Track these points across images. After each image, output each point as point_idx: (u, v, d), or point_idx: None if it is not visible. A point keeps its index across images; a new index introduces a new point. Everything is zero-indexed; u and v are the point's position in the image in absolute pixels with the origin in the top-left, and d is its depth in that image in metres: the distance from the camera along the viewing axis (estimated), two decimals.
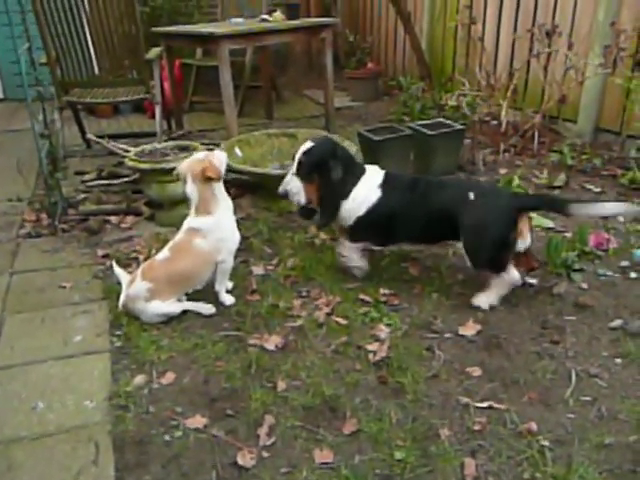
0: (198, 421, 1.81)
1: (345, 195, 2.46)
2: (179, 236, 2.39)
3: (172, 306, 2.32)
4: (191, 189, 2.36)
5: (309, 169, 2.44)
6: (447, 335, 2.23)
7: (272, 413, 1.84)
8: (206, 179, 2.32)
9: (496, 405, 1.86)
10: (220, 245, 2.37)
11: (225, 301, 2.43)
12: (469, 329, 2.25)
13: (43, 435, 1.76)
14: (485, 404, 1.87)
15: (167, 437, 1.76)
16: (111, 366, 2.08)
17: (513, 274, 2.36)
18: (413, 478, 1.62)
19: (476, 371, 2.03)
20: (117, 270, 2.46)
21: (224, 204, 2.41)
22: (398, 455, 1.67)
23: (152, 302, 2.27)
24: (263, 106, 5.63)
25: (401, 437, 1.75)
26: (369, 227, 2.50)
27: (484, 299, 2.41)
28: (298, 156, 2.47)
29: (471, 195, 2.36)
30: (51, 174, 3.24)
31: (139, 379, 2.00)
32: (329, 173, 2.43)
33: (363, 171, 2.53)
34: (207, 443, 1.74)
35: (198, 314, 2.36)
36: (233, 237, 2.43)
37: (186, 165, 2.39)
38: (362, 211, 2.46)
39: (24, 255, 2.94)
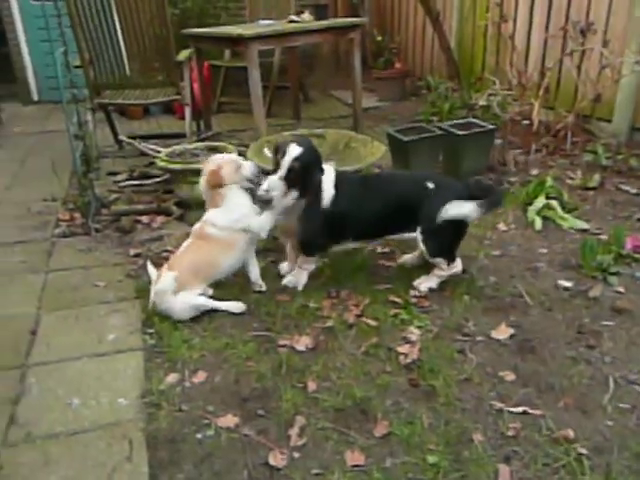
0: (230, 420, 1.82)
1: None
2: (196, 225, 2.52)
3: (200, 298, 2.35)
4: (202, 187, 2.52)
5: (300, 174, 2.32)
6: (479, 338, 2.20)
7: (303, 414, 1.84)
8: (212, 186, 2.46)
9: (531, 410, 1.83)
10: (235, 234, 2.44)
11: (257, 287, 2.53)
12: (502, 332, 2.22)
13: (78, 431, 1.79)
14: (519, 409, 1.83)
15: (199, 436, 1.78)
16: (144, 364, 2.10)
17: (459, 263, 2.54)
18: None
19: (509, 375, 2.00)
20: (150, 269, 2.50)
21: (235, 200, 2.47)
22: (431, 459, 1.65)
23: (180, 294, 2.31)
24: (290, 106, 5.64)
25: (433, 441, 1.73)
26: (327, 227, 2.44)
27: (425, 283, 2.52)
28: (288, 161, 2.30)
29: (430, 185, 2.42)
30: (85, 174, 3.30)
31: (171, 377, 2.02)
32: (315, 177, 2.37)
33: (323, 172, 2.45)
34: (238, 443, 1.75)
35: (229, 314, 2.37)
36: (245, 222, 2.45)
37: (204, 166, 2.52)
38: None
39: (59, 254, 3.00)
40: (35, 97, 6.77)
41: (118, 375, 2.04)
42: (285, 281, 2.58)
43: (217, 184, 2.46)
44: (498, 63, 5.21)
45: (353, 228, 2.49)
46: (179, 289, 2.31)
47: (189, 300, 2.32)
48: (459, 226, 2.44)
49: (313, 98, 6.29)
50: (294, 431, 1.77)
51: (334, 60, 7.29)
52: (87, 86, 4.09)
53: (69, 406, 1.90)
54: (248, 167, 2.51)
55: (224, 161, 2.51)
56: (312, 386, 1.96)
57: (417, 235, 2.45)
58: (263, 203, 2.38)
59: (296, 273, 2.59)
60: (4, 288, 2.66)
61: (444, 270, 2.50)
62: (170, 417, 1.85)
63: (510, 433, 1.74)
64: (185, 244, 2.48)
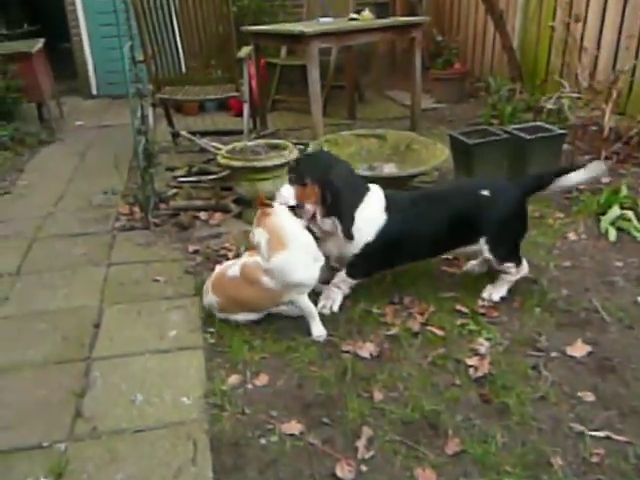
0: (294, 427, 1.77)
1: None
2: (250, 262, 2.21)
3: (248, 315, 2.28)
4: (258, 232, 2.16)
5: (306, 177, 2.27)
6: (553, 354, 2.08)
7: (370, 425, 1.77)
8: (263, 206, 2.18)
9: (615, 436, 1.70)
10: (289, 287, 2.15)
11: (314, 332, 2.20)
12: (578, 350, 2.09)
13: (143, 429, 1.77)
14: (602, 434, 1.72)
15: (263, 441, 1.73)
16: (205, 363, 2.07)
17: (526, 264, 2.46)
18: None
19: (589, 396, 1.88)
20: None
21: (300, 240, 2.16)
22: None
23: (222, 314, 2.28)
24: (345, 106, 5.58)
25: (509, 462, 1.63)
26: (374, 256, 2.32)
27: (497, 292, 2.41)
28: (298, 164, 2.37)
29: (485, 192, 2.33)
30: (146, 169, 3.32)
31: (234, 379, 1.99)
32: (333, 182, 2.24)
33: (364, 194, 2.32)
34: (304, 451, 1.69)
35: (288, 316, 2.32)
36: (303, 278, 2.16)
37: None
38: (371, 236, 2.29)
39: (119, 247, 3.02)
40: (94, 92, 6.93)
41: (180, 373, 2.02)
42: (319, 307, 2.33)
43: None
44: (564, 65, 5.01)
45: (408, 252, 2.39)
46: (221, 311, 2.28)
47: (233, 318, 2.28)
48: (523, 223, 2.40)
49: (368, 98, 6.20)
50: (361, 442, 1.70)
51: (390, 60, 7.17)
52: (150, 81, 4.12)
53: (133, 402, 1.88)
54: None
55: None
56: (378, 396, 1.89)
57: (481, 246, 2.35)
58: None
59: (329, 293, 2.39)
60: (67, 280, 2.69)
61: (513, 275, 2.40)
62: (233, 420, 1.81)
63: (594, 460, 1.63)
64: (236, 270, 2.22)
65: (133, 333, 2.26)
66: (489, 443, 1.70)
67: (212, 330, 2.27)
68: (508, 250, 2.39)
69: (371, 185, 2.37)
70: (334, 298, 2.38)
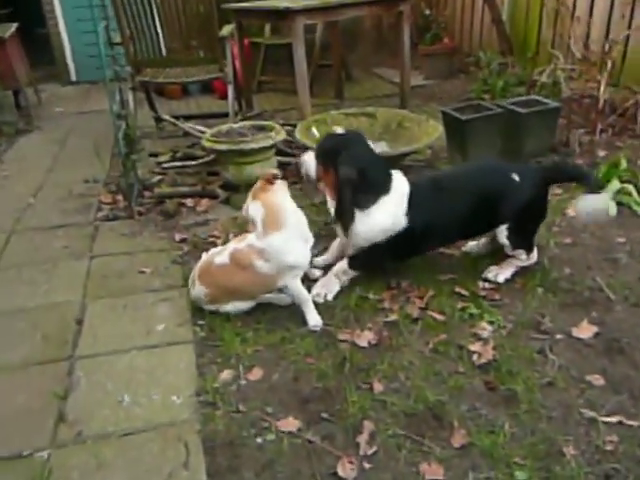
0: (291, 424, 1.68)
1: (362, 207, 2.17)
2: (241, 247, 2.10)
3: (240, 305, 2.17)
4: (253, 206, 2.07)
5: (325, 158, 2.22)
6: (559, 336, 2.00)
7: (371, 419, 1.68)
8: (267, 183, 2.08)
9: (627, 421, 1.63)
10: (284, 269, 2.07)
11: (309, 321, 2.09)
12: (584, 331, 2.01)
13: (131, 432, 1.67)
14: (614, 419, 1.64)
15: (259, 440, 1.64)
16: (196, 359, 1.97)
17: (536, 252, 2.37)
18: None
19: (598, 380, 1.80)
20: None
21: (294, 220, 2.08)
22: (520, 475, 1.48)
23: (211, 305, 2.18)
24: (332, 86, 5.43)
25: (519, 454, 1.55)
26: (386, 251, 2.24)
27: (502, 274, 2.31)
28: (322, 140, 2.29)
29: (514, 176, 2.24)
30: (127, 156, 3.18)
31: (226, 374, 1.89)
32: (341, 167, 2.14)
33: (388, 188, 2.21)
34: (302, 449, 1.60)
35: (281, 306, 2.22)
36: (298, 259, 2.09)
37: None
38: (380, 238, 2.20)
39: (102, 238, 2.89)
40: (73, 77, 6.71)
41: (169, 370, 1.92)
42: (313, 294, 2.19)
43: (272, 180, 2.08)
44: (556, 36, 4.88)
45: (422, 245, 2.30)
46: (210, 302, 2.17)
47: (222, 309, 2.17)
48: (544, 210, 2.34)
49: (356, 77, 6.04)
50: (363, 438, 1.61)
51: (377, 37, 7.00)
52: (128, 63, 3.95)
53: (120, 403, 1.78)
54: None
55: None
56: (379, 387, 1.80)
57: (501, 232, 2.26)
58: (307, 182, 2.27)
59: (327, 281, 2.27)
60: (48, 275, 2.56)
61: (523, 261, 2.31)
62: (227, 418, 1.71)
63: (608, 448, 1.55)
64: (225, 257, 2.12)
65: (118, 329, 2.15)
66: (497, 434, 1.61)
67: (202, 323, 2.16)
68: (525, 238, 2.31)
69: (398, 180, 2.23)
70: (331, 288, 2.27)
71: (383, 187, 2.20)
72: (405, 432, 1.64)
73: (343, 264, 2.30)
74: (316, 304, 2.16)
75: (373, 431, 1.64)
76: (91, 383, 1.87)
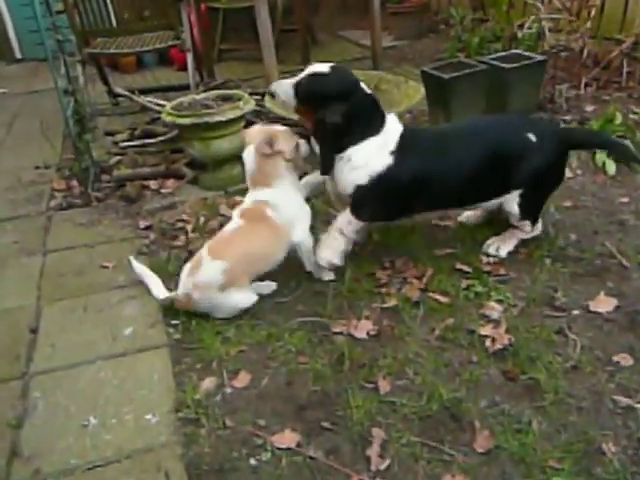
0: (288, 438, 1.45)
1: (339, 150, 1.95)
2: (247, 204, 2.01)
3: (253, 297, 1.93)
4: (249, 158, 2.01)
5: (307, 102, 1.96)
6: (576, 312, 1.81)
7: (380, 425, 1.47)
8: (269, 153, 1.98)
9: None
10: (293, 221, 1.99)
11: (323, 276, 2.04)
12: (603, 304, 1.83)
13: (99, 464, 1.41)
14: None
15: (253, 461, 1.41)
16: (172, 366, 1.72)
17: (541, 223, 2.19)
18: None
19: (626, 359, 1.62)
20: (135, 265, 2.07)
21: (288, 180, 2.02)
22: None
23: (228, 291, 1.85)
24: (298, 51, 5.12)
25: (554, 456, 1.36)
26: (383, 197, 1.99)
27: (505, 246, 2.12)
28: (302, 75, 1.97)
29: (531, 137, 2.00)
30: (79, 136, 2.86)
31: (208, 382, 1.64)
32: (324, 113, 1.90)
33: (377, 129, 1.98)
34: (305, 468, 1.38)
35: (263, 296, 1.97)
36: (302, 211, 2.04)
37: (254, 132, 2.06)
38: (363, 180, 1.95)
39: (57, 230, 2.60)
40: (18, 55, 6.22)
41: (142, 382, 1.66)
42: (317, 258, 2.01)
43: (273, 156, 1.98)
44: None
45: (425, 198, 2.02)
46: (227, 285, 1.85)
47: (241, 301, 1.89)
48: (561, 178, 2.14)
49: (322, 40, 5.73)
50: (373, 450, 1.40)
51: None
52: (74, 34, 3.57)
53: (85, 428, 1.52)
54: (304, 146, 2.05)
55: (280, 131, 2.02)
56: (385, 386, 1.58)
57: (511, 199, 2.04)
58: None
59: (330, 240, 2.01)
60: None
61: (526, 233, 2.10)
62: (213, 437, 1.47)
63: None
64: (230, 227, 1.98)
65: (79, 336, 1.88)
66: (525, 432, 1.42)
67: (176, 323, 1.90)
68: (535, 207, 2.10)
69: (390, 121, 2.00)
70: (335, 247, 2.00)
71: (372, 128, 1.96)
72: (421, 439, 1.43)
73: (346, 214, 2.02)
74: (304, 293, 1.92)
75: (384, 440, 1.43)
76: (50, 405, 1.60)
